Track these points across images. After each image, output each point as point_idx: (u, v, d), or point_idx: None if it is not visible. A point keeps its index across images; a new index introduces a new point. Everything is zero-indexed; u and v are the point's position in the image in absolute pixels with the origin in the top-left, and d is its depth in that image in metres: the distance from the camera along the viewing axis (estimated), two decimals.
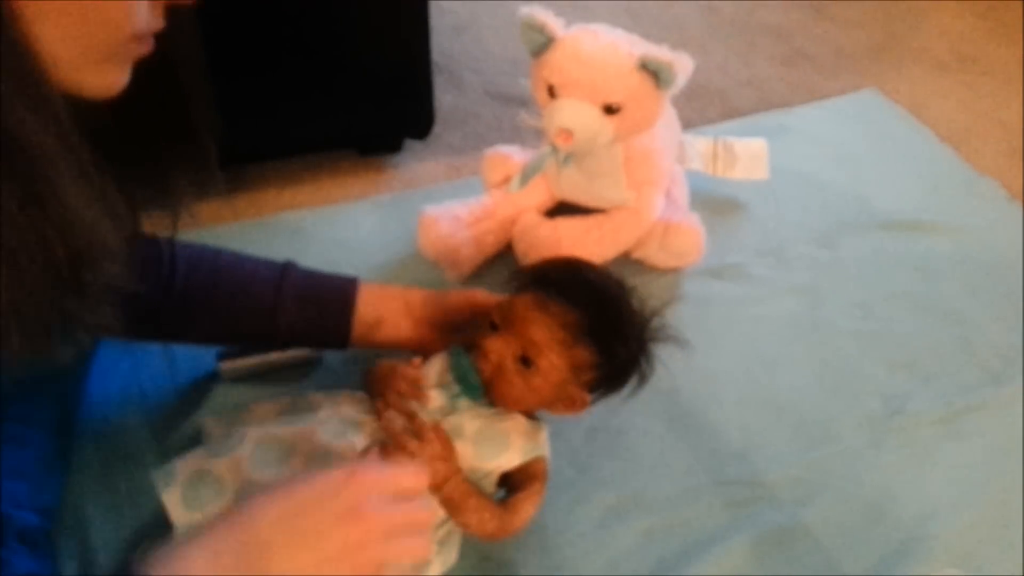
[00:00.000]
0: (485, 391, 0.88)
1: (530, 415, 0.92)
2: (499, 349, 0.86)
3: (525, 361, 0.86)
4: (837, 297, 1.24)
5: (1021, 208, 1.40)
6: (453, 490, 0.84)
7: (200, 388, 1.06)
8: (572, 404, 0.92)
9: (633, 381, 0.93)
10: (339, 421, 0.89)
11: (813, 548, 0.95)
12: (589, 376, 0.90)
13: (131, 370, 1.07)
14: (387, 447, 0.84)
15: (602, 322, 0.88)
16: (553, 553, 0.93)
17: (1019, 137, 1.56)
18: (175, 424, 1.01)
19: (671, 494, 0.99)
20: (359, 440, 0.86)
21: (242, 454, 0.84)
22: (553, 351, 0.86)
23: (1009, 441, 1.07)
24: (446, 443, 0.86)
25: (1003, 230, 1.36)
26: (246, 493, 0.81)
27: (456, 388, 0.89)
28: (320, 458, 0.84)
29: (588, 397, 0.92)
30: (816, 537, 0.96)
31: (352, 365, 1.09)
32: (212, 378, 1.07)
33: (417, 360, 0.91)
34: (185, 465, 0.84)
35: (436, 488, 0.83)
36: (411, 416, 0.87)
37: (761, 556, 0.94)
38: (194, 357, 1.09)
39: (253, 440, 0.86)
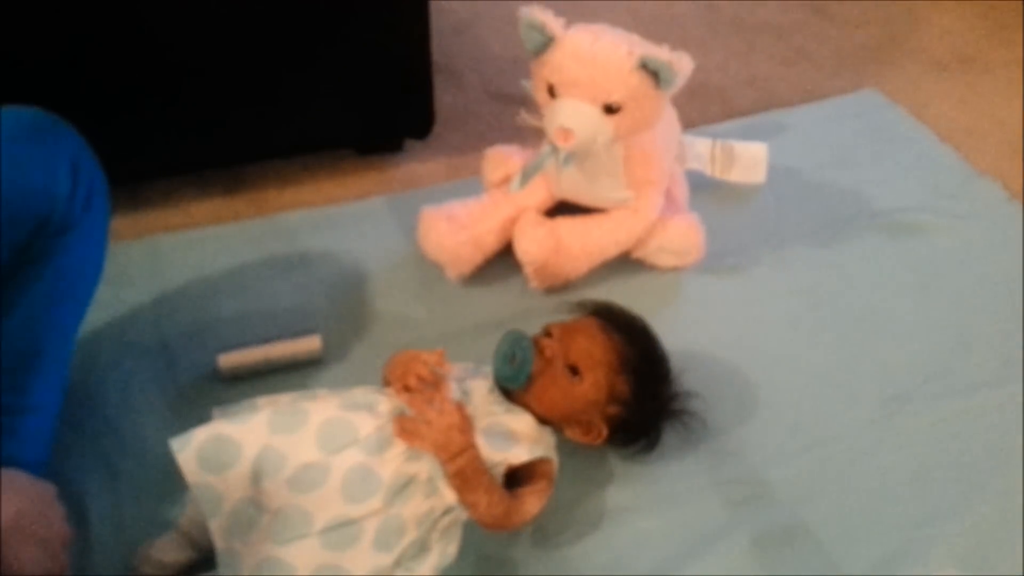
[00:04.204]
0: (527, 381, 0.92)
1: (543, 422, 0.94)
2: (554, 348, 0.94)
3: (572, 371, 0.93)
4: (837, 297, 1.24)
5: (1021, 207, 1.40)
6: (467, 464, 0.85)
7: (200, 387, 1.06)
8: (589, 431, 0.97)
9: (640, 444, 1.00)
10: (356, 398, 0.89)
11: (813, 547, 0.95)
12: (615, 411, 0.96)
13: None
14: (405, 417, 0.86)
15: (647, 370, 0.98)
16: (553, 553, 0.93)
17: (1019, 136, 1.56)
18: (176, 423, 1.00)
19: (670, 494, 0.99)
20: (379, 408, 0.87)
21: (259, 420, 0.84)
22: (601, 370, 0.95)
23: (1008, 441, 1.07)
24: (464, 416, 0.87)
25: (1003, 229, 1.36)
26: (264, 458, 0.82)
27: (504, 369, 0.92)
28: (338, 425, 0.85)
29: (605, 431, 0.97)
30: (816, 536, 0.96)
31: (358, 365, 1.10)
32: (212, 377, 1.06)
33: (441, 350, 0.92)
34: (202, 431, 0.84)
35: (451, 459, 0.84)
36: (435, 386, 0.88)
37: (761, 555, 0.94)
38: (193, 355, 1.09)
39: (268, 410, 0.86)
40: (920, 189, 1.43)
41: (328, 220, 1.32)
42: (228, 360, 1.06)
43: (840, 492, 1.01)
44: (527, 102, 1.17)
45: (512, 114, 1.16)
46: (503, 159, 1.28)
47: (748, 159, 1.37)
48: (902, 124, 1.56)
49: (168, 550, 0.88)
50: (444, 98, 1.50)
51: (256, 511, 0.83)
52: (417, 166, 1.44)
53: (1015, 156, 1.52)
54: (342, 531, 0.82)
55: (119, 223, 1.07)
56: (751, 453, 1.04)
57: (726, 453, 1.04)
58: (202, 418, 0.87)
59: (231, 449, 0.83)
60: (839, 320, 1.21)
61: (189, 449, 0.83)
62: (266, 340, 1.08)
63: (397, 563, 0.84)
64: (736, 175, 1.36)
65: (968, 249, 1.33)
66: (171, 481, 0.86)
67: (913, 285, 1.27)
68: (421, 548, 0.86)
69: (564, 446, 0.95)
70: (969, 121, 1.59)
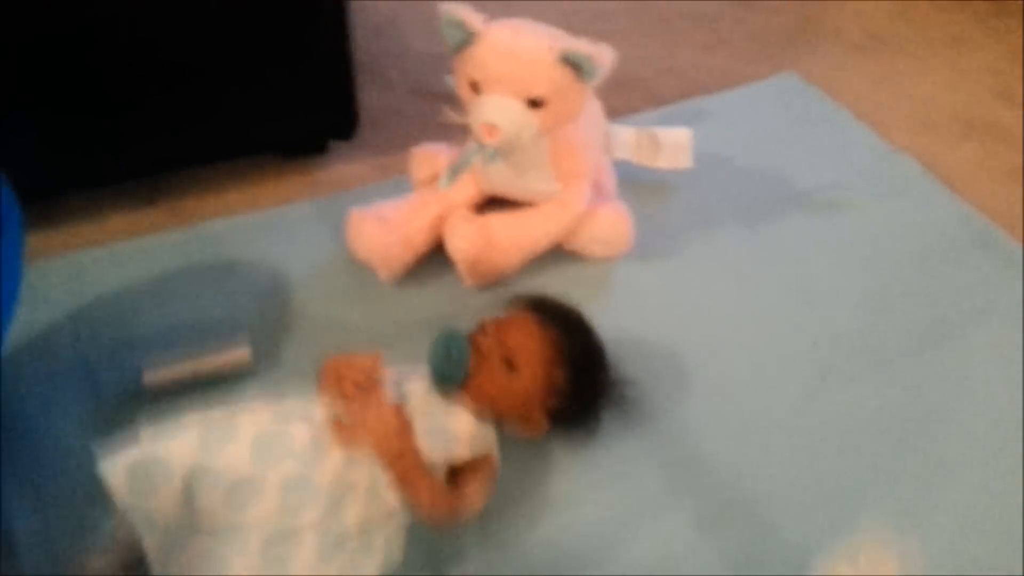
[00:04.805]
0: (464, 379, 0.92)
1: (482, 418, 0.94)
2: (490, 345, 0.94)
3: (509, 366, 0.93)
4: (764, 277, 1.27)
5: (936, 181, 1.45)
6: (408, 466, 0.84)
7: (126, 404, 1.03)
8: (529, 424, 0.97)
9: (581, 432, 1.00)
10: (289, 408, 0.88)
11: (751, 520, 0.97)
12: (554, 403, 0.96)
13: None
14: (341, 423, 0.84)
15: (584, 361, 0.98)
16: (498, 544, 0.93)
17: (930, 112, 1.62)
18: (103, 443, 0.97)
19: (612, 478, 1.00)
20: (315, 417, 0.86)
21: (189, 438, 0.82)
22: (538, 363, 0.95)
23: (932, 404, 1.11)
24: (403, 419, 0.87)
25: (919, 203, 1.41)
26: (195, 476, 0.80)
27: (440, 368, 0.92)
28: (271, 437, 0.83)
29: (546, 424, 0.97)
30: (753, 509, 0.98)
31: (291, 372, 1.07)
32: (138, 394, 1.03)
33: (377, 353, 0.91)
34: (130, 453, 0.81)
35: (392, 462, 0.83)
36: (371, 391, 0.87)
37: (702, 531, 0.96)
38: (117, 372, 1.06)
39: (198, 427, 0.84)
40: (839, 168, 1.47)
41: (253, 226, 1.29)
42: (154, 375, 1.03)
43: (774, 465, 1.03)
44: (452, 99, 1.16)
45: (437, 111, 1.15)
46: (430, 157, 1.27)
47: (673, 145, 1.39)
48: (820, 105, 1.60)
49: (103, 565, 0.85)
50: (368, 98, 1.48)
51: (190, 532, 0.80)
52: (343, 167, 1.42)
53: (927, 130, 1.57)
54: (282, 544, 0.80)
55: (34, 240, 1.03)
56: (688, 433, 1.06)
57: (665, 435, 1.05)
58: (129, 437, 0.84)
59: (161, 469, 0.80)
60: (767, 299, 1.24)
61: (118, 472, 0.80)
62: (193, 353, 1.05)
63: (342, 570, 0.83)
64: (662, 161, 1.38)
65: (887, 223, 1.37)
66: (100, 499, 0.83)
67: (838, 260, 1.30)
68: (366, 553, 0.85)
69: (505, 438, 0.95)
70: (883, 99, 1.64)
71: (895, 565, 0.77)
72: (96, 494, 0.82)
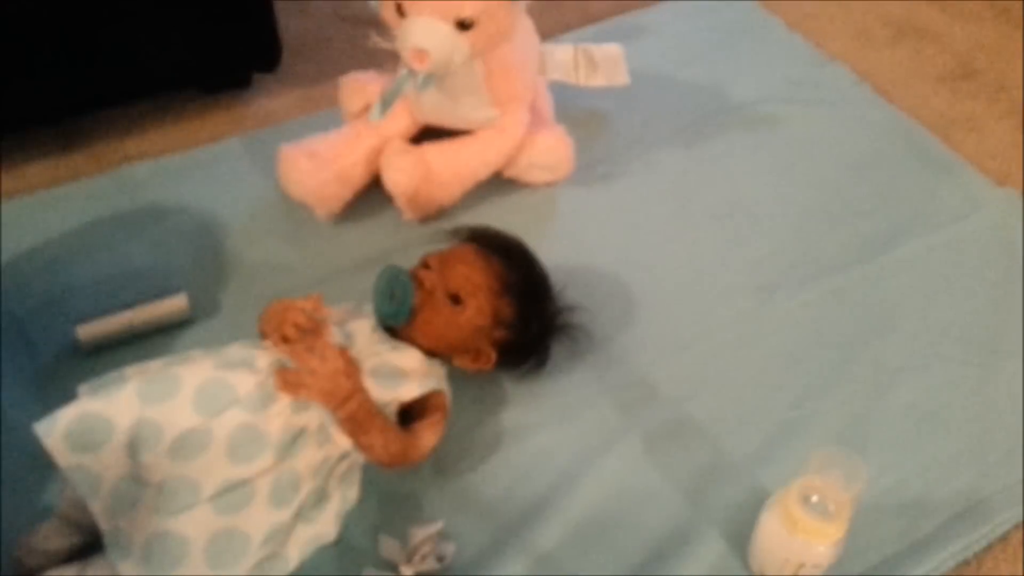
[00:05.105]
0: (410, 316, 0.90)
1: (431, 355, 0.93)
2: (433, 280, 0.93)
3: (454, 300, 0.92)
4: (704, 195, 1.27)
5: (869, 89, 1.46)
6: (357, 408, 0.83)
7: (61, 362, 0.99)
8: (478, 358, 0.96)
9: (530, 363, 1.00)
10: (231, 356, 0.86)
11: (700, 439, 0.99)
12: (501, 335, 0.96)
13: None
14: (286, 370, 0.83)
15: (529, 291, 0.97)
16: (455, 481, 0.94)
17: (861, 20, 1.61)
18: (40, 404, 0.94)
19: (563, 407, 1.01)
20: (258, 363, 0.84)
21: (128, 392, 0.80)
22: (483, 295, 0.94)
23: (874, 314, 1.13)
24: (349, 360, 0.85)
25: (853, 112, 1.42)
26: (138, 431, 0.78)
27: (384, 307, 0.90)
28: (215, 386, 0.81)
29: (494, 356, 0.96)
30: (702, 428, 1.00)
31: (231, 320, 1.05)
32: (73, 350, 1.00)
33: (317, 295, 0.89)
34: (67, 412, 0.79)
35: (340, 405, 0.82)
36: (315, 333, 0.85)
37: (653, 452, 0.98)
38: (49, 329, 1.02)
39: (137, 381, 0.81)
40: (774, 79, 1.46)
41: (178, 169, 1.24)
42: (88, 330, 0.99)
43: (721, 384, 1.05)
44: (379, 23, 1.11)
45: (365, 37, 1.10)
46: (360, 87, 1.22)
47: (609, 61, 1.36)
48: (752, 16, 1.59)
49: (51, 537, 0.83)
50: (290, 25, 1.41)
51: (138, 487, 0.79)
52: (269, 102, 1.36)
53: (859, 39, 1.57)
54: (234, 493, 0.80)
55: None
56: (636, 357, 1.07)
57: (612, 360, 1.06)
58: (67, 396, 0.81)
59: (101, 426, 0.78)
60: (708, 217, 1.24)
61: (56, 432, 0.78)
62: (127, 305, 1.02)
63: (297, 515, 0.83)
64: (600, 79, 1.35)
65: (823, 134, 1.37)
66: (43, 465, 0.81)
67: (775, 174, 1.31)
68: (320, 497, 0.85)
69: (455, 374, 0.95)
70: (814, 8, 1.63)
71: (863, 476, 0.79)
72: (39, 461, 0.80)
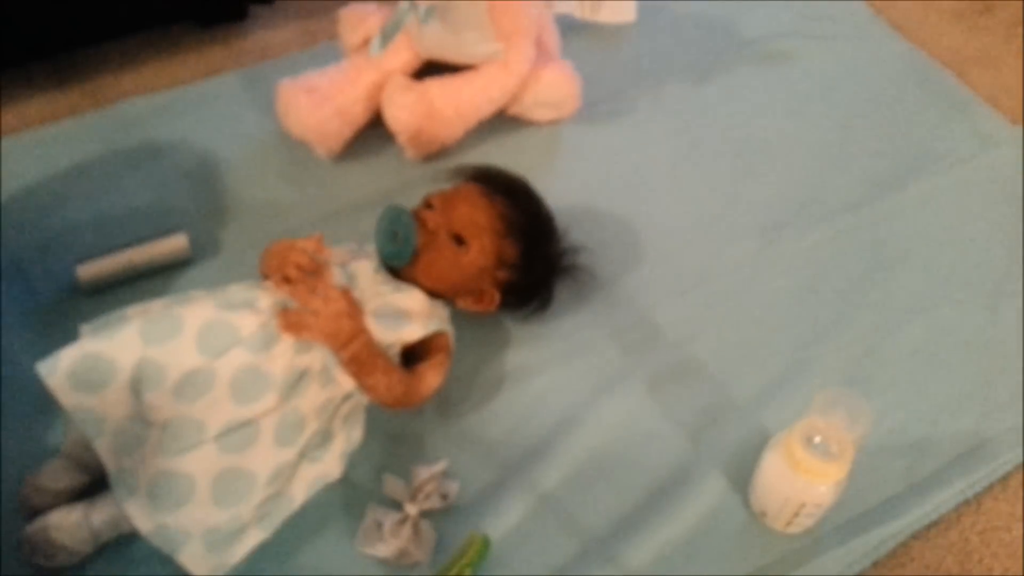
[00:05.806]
0: (412, 257, 0.90)
1: (433, 295, 0.92)
2: (437, 220, 0.92)
3: (458, 240, 0.91)
4: (713, 134, 1.25)
5: (885, 25, 1.41)
6: (360, 349, 0.83)
7: (62, 303, 0.99)
8: (481, 299, 0.95)
9: (533, 304, 0.99)
10: (233, 296, 0.85)
11: (704, 380, 0.99)
12: (505, 276, 0.95)
13: None
14: (289, 310, 0.83)
15: (533, 231, 0.96)
16: (458, 422, 0.94)
17: None
18: (42, 344, 0.94)
19: (567, 349, 1.01)
20: (260, 304, 0.83)
21: (131, 332, 0.79)
22: (487, 236, 0.93)
23: (881, 255, 1.12)
24: (351, 301, 0.85)
25: (869, 47, 1.38)
26: (141, 371, 0.78)
27: (387, 247, 0.90)
28: (217, 327, 0.81)
29: (497, 297, 0.95)
30: (706, 370, 1.00)
31: (231, 260, 1.04)
32: (73, 290, 0.99)
33: (319, 235, 0.88)
34: (70, 352, 0.79)
35: (343, 346, 0.82)
36: (317, 274, 0.85)
37: (656, 394, 0.98)
38: (49, 269, 1.01)
39: (139, 321, 0.81)
40: (787, 14, 1.42)
41: (176, 104, 1.21)
42: (88, 270, 0.98)
43: (726, 325, 1.04)
44: None
45: None
46: (360, 19, 1.19)
47: None
48: None
49: (57, 476, 0.84)
50: None
51: (142, 426, 0.79)
52: (267, 35, 1.33)
53: None
54: (239, 433, 0.80)
55: None
56: (640, 298, 1.06)
57: (616, 302, 1.05)
58: (69, 336, 0.81)
59: (104, 366, 0.78)
60: (717, 156, 1.22)
61: (59, 372, 0.78)
62: (127, 244, 1.01)
63: (302, 455, 0.83)
64: (606, 15, 1.32)
65: (836, 70, 1.34)
66: (48, 406, 0.81)
67: (786, 112, 1.28)
68: (325, 437, 0.85)
69: (459, 316, 0.95)
70: None
71: (867, 418, 0.79)
72: (44, 401, 0.80)
